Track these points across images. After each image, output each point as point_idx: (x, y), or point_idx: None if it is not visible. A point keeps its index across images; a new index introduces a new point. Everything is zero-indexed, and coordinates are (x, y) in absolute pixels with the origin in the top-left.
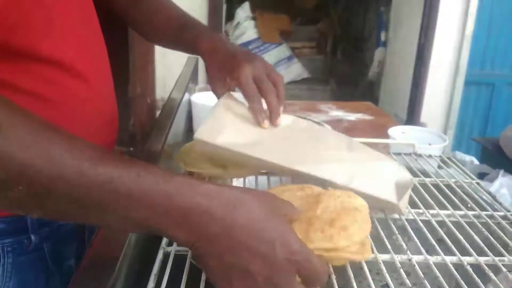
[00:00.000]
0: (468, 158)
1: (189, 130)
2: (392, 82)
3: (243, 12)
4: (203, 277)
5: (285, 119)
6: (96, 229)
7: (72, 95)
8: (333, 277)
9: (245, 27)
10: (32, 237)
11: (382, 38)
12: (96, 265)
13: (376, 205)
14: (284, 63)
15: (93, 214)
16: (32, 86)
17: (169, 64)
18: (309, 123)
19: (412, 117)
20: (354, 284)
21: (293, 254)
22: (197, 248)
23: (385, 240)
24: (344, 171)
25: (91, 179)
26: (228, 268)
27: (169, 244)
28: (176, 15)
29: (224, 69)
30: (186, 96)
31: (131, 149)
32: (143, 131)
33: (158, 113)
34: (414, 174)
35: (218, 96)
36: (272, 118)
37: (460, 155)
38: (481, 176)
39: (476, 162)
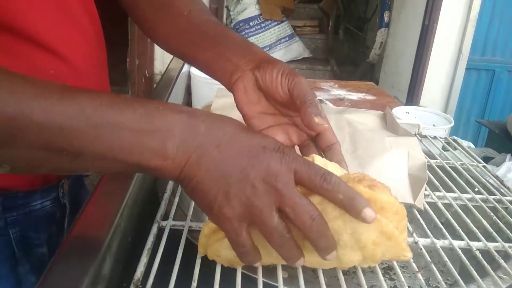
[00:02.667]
0: (465, 143)
1: (188, 104)
2: (393, 64)
3: None
4: (199, 254)
5: None
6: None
7: (39, 69)
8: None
9: (246, 3)
10: None
11: (385, 19)
12: (85, 237)
13: None
14: (285, 41)
15: (65, 157)
16: None
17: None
18: None
19: (412, 99)
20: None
21: (284, 153)
22: (190, 167)
23: None
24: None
25: (58, 113)
26: (226, 178)
27: (164, 218)
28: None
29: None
30: (186, 68)
31: None
32: None
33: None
34: None
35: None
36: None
37: (458, 140)
38: (486, 159)
39: (473, 147)
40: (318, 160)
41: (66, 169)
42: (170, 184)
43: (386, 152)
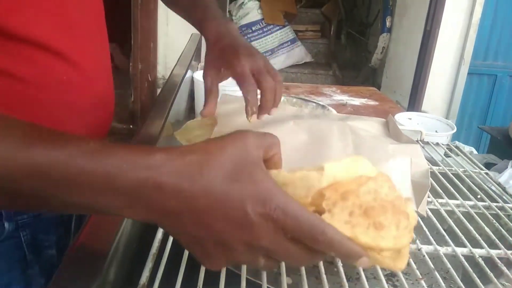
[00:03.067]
0: (467, 148)
1: (191, 108)
2: (395, 68)
3: None
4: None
5: (288, 110)
6: (86, 217)
7: (54, 76)
8: (339, 264)
9: (249, 8)
10: (6, 225)
11: (387, 24)
12: (91, 243)
13: None
14: (287, 46)
15: (32, 201)
16: (3, 64)
17: (171, 42)
18: (311, 121)
19: (413, 104)
20: (361, 271)
21: (270, 210)
22: (162, 226)
23: None
24: None
25: (19, 164)
26: (202, 242)
27: None
28: None
29: (223, 58)
30: (189, 73)
31: (131, 126)
32: (144, 109)
33: (158, 91)
34: None
35: (206, 85)
36: (261, 113)
37: (459, 145)
38: (488, 166)
39: (475, 152)
40: (328, 168)
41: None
42: None
43: (390, 159)
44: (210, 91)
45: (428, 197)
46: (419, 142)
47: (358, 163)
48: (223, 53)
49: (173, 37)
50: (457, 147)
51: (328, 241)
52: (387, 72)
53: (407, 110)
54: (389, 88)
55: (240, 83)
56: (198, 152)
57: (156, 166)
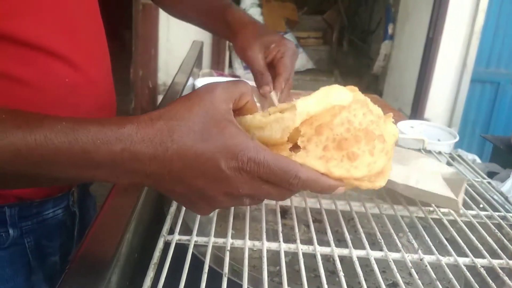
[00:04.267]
0: (470, 156)
1: None
2: (398, 76)
3: None
4: (206, 268)
5: None
6: (90, 223)
7: (57, 78)
8: (341, 274)
9: (250, 14)
10: (10, 231)
11: (390, 31)
12: (92, 254)
13: (432, 201)
14: None
15: (21, 181)
16: (6, 67)
17: (172, 48)
18: None
19: (416, 112)
20: (363, 281)
21: (243, 163)
22: (148, 186)
23: (395, 237)
24: (397, 171)
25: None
26: (186, 196)
27: (170, 232)
28: None
29: (261, 40)
30: (191, 80)
31: None
32: None
33: (159, 98)
34: None
35: (258, 67)
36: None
37: (462, 153)
38: (491, 175)
39: (479, 160)
40: (300, 105)
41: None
42: None
43: (421, 157)
44: (264, 69)
45: (430, 206)
46: (422, 150)
47: (330, 94)
48: (261, 35)
49: (174, 43)
50: (459, 155)
51: (302, 182)
52: (389, 79)
53: (410, 118)
54: (391, 95)
55: (282, 66)
56: (166, 117)
57: (128, 137)
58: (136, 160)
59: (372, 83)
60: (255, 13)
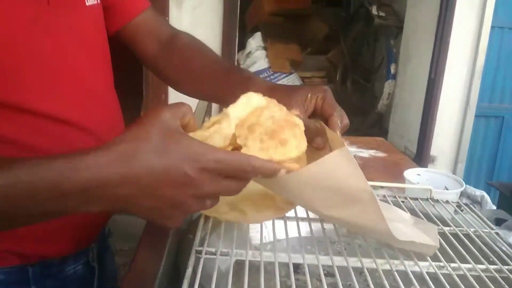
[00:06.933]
0: (478, 192)
1: None
2: (402, 114)
3: (255, 42)
4: (230, 281)
5: None
6: (108, 276)
7: (69, 145)
8: None
9: (256, 57)
10: None
11: (392, 71)
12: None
13: (412, 249)
14: None
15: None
16: (18, 135)
17: (182, 95)
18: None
19: (422, 150)
20: None
21: (205, 164)
22: (120, 210)
23: None
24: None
25: None
26: (159, 210)
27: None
28: (218, 60)
29: (296, 97)
30: None
31: None
32: None
33: None
34: (432, 221)
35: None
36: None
37: (470, 189)
38: (498, 222)
39: (486, 196)
40: (231, 112)
41: None
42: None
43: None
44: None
45: (441, 261)
46: (429, 200)
47: (251, 99)
48: (292, 91)
49: None
50: (466, 204)
51: (256, 169)
52: (394, 117)
53: (416, 156)
54: (396, 133)
55: (330, 112)
56: (127, 140)
57: (94, 164)
58: (105, 186)
59: (377, 121)
60: (261, 55)
